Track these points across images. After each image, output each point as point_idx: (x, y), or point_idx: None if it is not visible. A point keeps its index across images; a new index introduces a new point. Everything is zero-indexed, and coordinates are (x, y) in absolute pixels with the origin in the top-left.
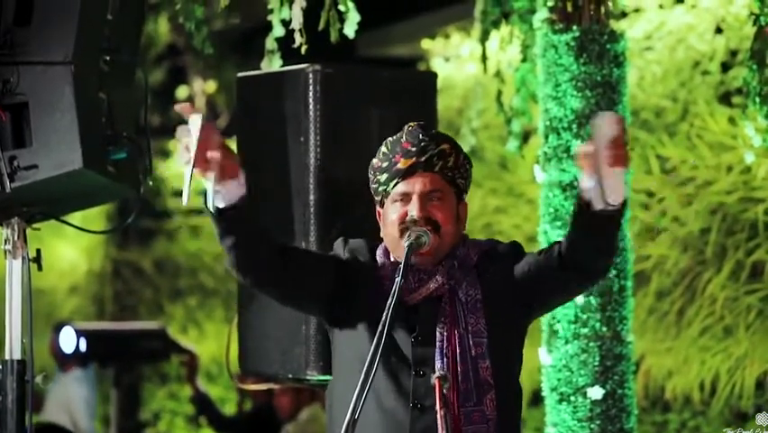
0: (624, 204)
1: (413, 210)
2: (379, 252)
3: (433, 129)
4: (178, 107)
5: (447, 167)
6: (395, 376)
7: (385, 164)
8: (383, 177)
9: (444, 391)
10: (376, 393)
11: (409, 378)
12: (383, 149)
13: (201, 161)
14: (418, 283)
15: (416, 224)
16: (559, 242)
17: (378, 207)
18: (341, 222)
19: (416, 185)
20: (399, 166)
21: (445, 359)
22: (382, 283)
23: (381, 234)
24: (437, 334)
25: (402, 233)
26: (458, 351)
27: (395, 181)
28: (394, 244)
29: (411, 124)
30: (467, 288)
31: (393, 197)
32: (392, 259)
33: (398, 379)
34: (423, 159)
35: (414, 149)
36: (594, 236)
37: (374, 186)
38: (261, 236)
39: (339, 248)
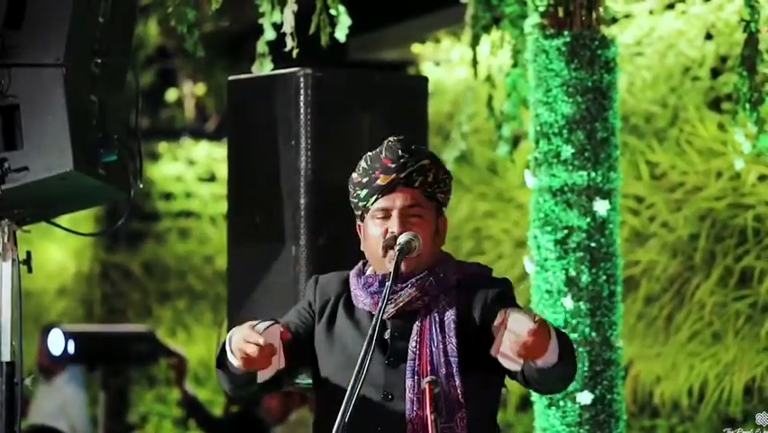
0: (558, 363)
1: (393, 228)
2: (351, 279)
3: (413, 144)
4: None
5: (427, 182)
6: (364, 398)
7: (365, 180)
8: (363, 192)
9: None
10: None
11: (378, 400)
12: (362, 164)
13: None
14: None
15: (396, 241)
16: None
17: (358, 222)
18: (331, 225)
19: (396, 201)
20: (379, 182)
21: (416, 376)
22: (353, 307)
23: (362, 248)
24: (409, 351)
25: (385, 250)
26: (428, 368)
27: (375, 197)
28: (376, 260)
29: (391, 139)
30: (443, 306)
31: (373, 213)
32: (367, 273)
33: (367, 400)
34: (402, 175)
35: (393, 165)
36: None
37: (354, 201)
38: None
39: (310, 291)
